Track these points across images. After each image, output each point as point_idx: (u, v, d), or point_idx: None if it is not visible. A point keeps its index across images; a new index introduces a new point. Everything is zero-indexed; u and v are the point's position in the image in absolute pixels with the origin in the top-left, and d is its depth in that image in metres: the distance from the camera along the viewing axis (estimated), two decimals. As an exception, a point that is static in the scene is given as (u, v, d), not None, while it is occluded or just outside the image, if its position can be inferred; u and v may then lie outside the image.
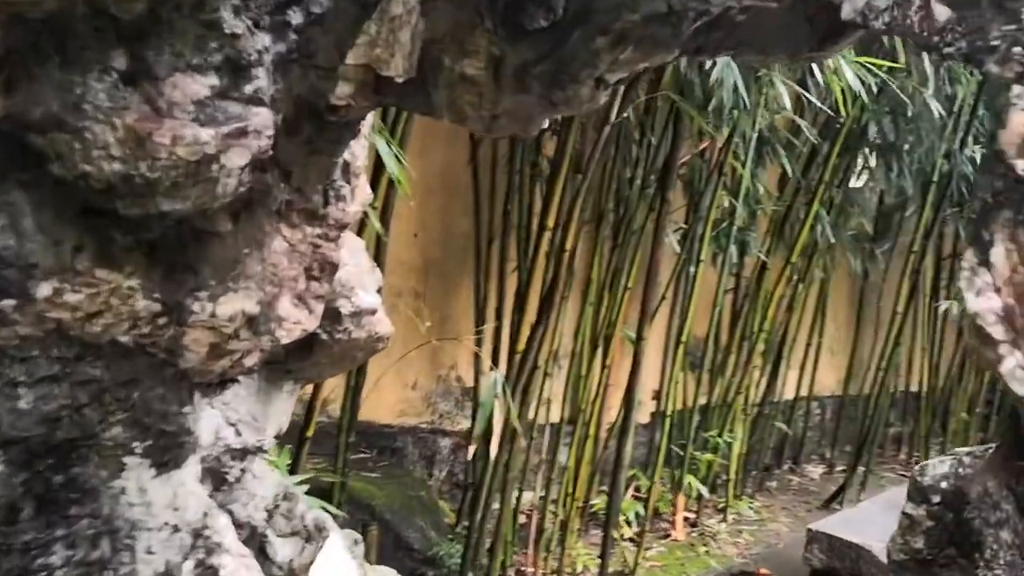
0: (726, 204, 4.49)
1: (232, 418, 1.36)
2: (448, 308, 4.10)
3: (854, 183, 5.68)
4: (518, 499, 3.74)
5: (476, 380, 3.94)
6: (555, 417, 4.31)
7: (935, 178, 5.60)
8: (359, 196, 1.35)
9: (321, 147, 1.21)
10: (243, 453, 1.38)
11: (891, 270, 6.54)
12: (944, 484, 1.39)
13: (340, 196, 1.28)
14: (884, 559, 3.55)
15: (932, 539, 1.39)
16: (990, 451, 1.36)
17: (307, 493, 1.91)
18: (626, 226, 3.99)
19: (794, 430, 6.35)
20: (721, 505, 5.06)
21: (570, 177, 3.38)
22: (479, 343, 3.64)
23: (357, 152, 1.32)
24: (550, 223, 3.36)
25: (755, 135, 4.16)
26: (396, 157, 2.34)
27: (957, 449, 1.51)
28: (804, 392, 6.51)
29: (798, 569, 4.26)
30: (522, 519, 3.92)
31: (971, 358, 6.98)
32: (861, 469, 5.86)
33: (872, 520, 3.85)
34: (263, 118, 1.03)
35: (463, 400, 4.29)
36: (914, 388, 7.50)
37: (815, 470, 6.69)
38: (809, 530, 3.60)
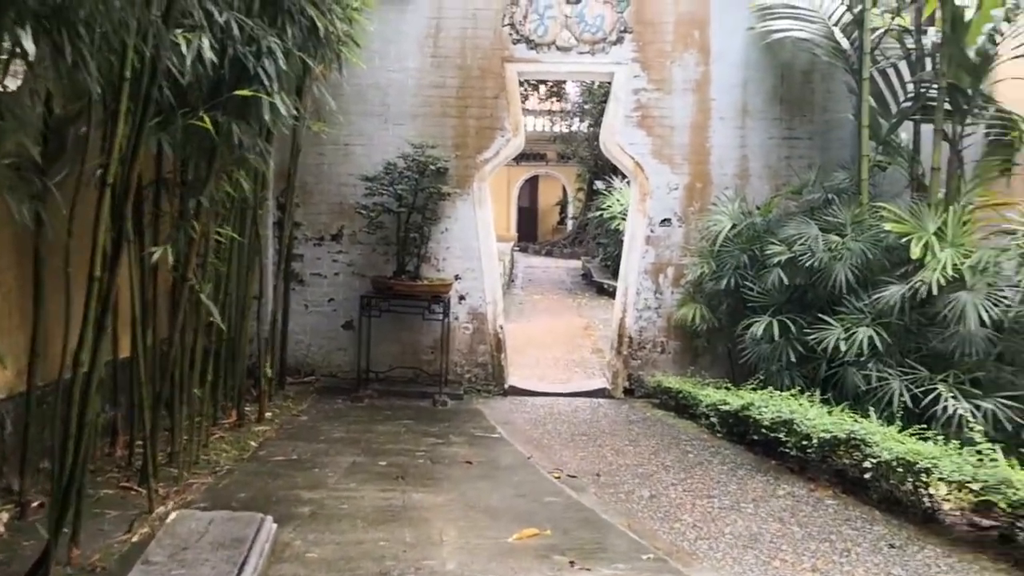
0: None
1: None
2: None
3: (8, 84, 4.05)
4: None
5: None
6: None
7: (128, 72, 4.36)
8: None
9: None
10: None
11: (78, 211, 5.13)
12: None
13: None
14: None
15: None
16: None
17: None
18: None
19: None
20: None
21: None
22: None
23: None
24: None
25: None
26: None
27: None
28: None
29: None
30: None
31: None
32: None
33: None
34: None
35: None
36: (124, 354, 6.36)
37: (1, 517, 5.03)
38: None
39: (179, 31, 4.82)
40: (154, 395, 5.87)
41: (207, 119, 5.16)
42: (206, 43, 4.89)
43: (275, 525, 4.14)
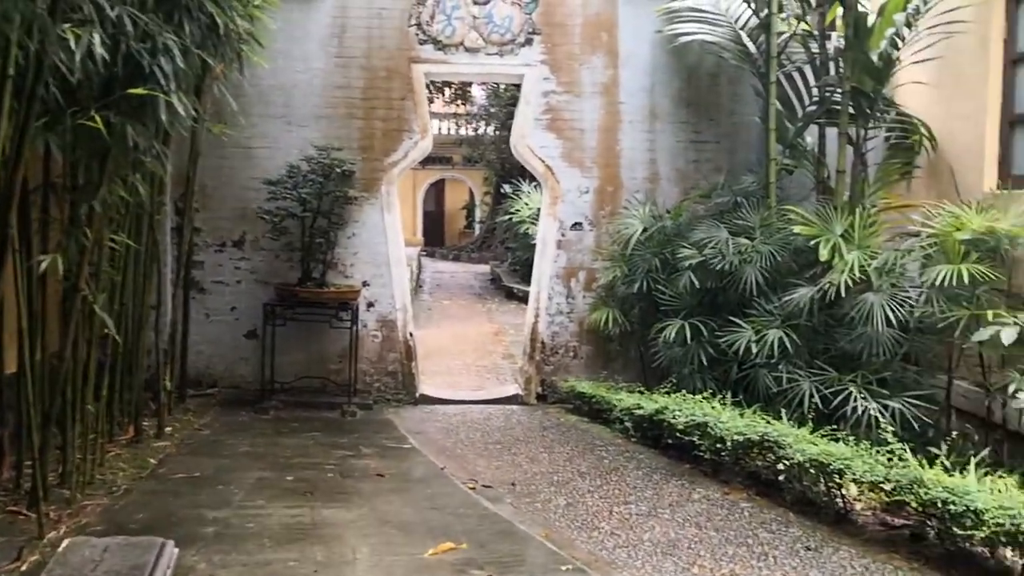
0: None
1: None
2: None
3: None
4: None
5: None
6: None
7: (11, 69, 4.13)
8: None
9: None
10: None
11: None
12: None
13: None
14: None
15: None
16: None
17: None
18: None
19: None
20: None
21: None
22: None
23: None
24: None
25: None
26: None
27: None
28: None
29: None
30: None
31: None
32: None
33: None
34: None
35: None
36: (11, 370, 6.02)
37: None
38: None
39: (67, 26, 4.58)
40: (43, 412, 5.57)
41: (99, 119, 4.92)
42: (97, 39, 4.67)
43: (177, 549, 3.95)
